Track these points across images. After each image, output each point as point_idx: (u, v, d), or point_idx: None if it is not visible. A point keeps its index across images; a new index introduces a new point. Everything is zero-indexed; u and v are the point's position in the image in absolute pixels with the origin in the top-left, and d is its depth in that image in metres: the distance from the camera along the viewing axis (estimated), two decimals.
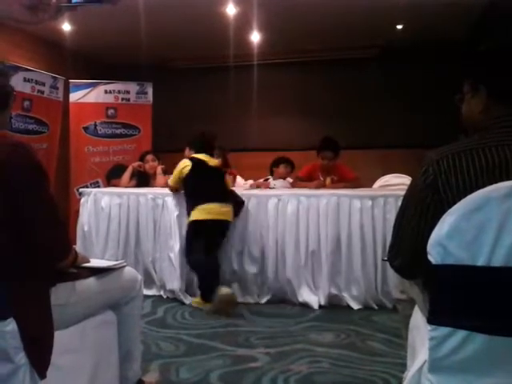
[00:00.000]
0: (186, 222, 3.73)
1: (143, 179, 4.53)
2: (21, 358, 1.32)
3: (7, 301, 1.32)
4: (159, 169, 4.57)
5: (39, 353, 1.38)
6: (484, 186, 1.04)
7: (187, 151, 4.07)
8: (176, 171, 3.76)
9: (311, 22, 5.64)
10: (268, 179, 4.82)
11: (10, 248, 1.34)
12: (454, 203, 1.05)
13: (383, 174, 4.73)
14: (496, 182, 1.03)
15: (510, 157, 1.11)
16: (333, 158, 4.31)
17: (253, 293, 3.74)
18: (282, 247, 3.67)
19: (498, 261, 0.98)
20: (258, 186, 4.30)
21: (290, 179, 4.84)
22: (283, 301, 3.68)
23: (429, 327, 1.07)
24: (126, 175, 4.54)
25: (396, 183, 4.40)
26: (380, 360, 2.54)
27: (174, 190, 3.81)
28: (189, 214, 3.66)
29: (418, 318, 1.42)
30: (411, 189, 1.28)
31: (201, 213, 3.60)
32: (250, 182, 4.85)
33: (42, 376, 1.38)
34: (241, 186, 4.76)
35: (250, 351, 2.70)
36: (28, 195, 1.39)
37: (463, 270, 1.01)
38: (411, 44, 6.22)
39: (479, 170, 1.12)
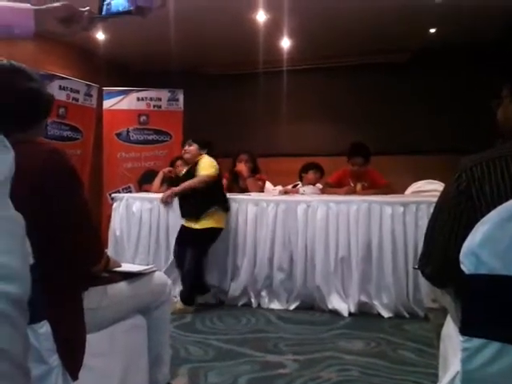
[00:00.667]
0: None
1: (174, 185, 4.57)
2: (54, 359, 1.35)
3: (41, 303, 1.35)
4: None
5: (72, 355, 1.41)
6: None
7: (196, 149, 3.87)
8: (213, 163, 3.75)
9: (341, 27, 5.63)
10: (297, 185, 4.80)
11: (45, 252, 1.37)
12: (488, 211, 1.02)
13: (412, 180, 4.66)
14: None
15: None
16: (363, 164, 4.26)
17: (281, 299, 3.72)
18: (311, 253, 3.65)
19: None
20: (286, 193, 4.29)
21: (319, 185, 4.81)
22: (312, 307, 3.66)
23: (461, 338, 1.05)
24: (157, 181, 4.59)
25: (429, 189, 4.33)
26: (411, 370, 2.49)
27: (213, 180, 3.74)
28: (204, 217, 3.65)
29: (450, 328, 1.39)
30: (444, 195, 1.26)
31: (222, 220, 3.70)
32: (279, 187, 4.85)
33: (75, 377, 1.41)
34: (270, 191, 4.76)
35: (278, 357, 2.69)
36: (62, 201, 1.42)
37: (497, 279, 0.98)
38: (443, 48, 6.12)
39: None
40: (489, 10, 4.96)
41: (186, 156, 3.87)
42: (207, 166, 3.72)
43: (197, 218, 3.64)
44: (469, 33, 5.72)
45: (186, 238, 3.69)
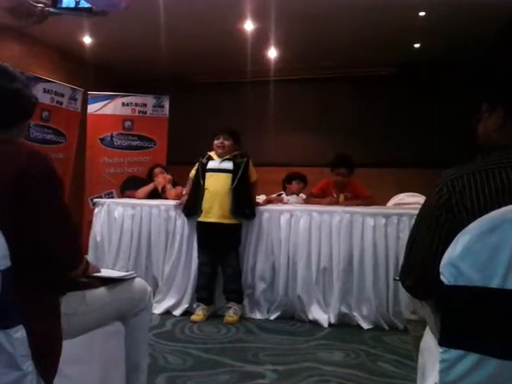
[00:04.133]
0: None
1: (154, 197, 4.48)
2: (28, 365, 1.32)
3: (17, 308, 1.32)
4: (168, 183, 4.56)
5: (47, 361, 1.38)
6: (499, 206, 1.03)
7: (232, 144, 3.74)
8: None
9: (328, 39, 5.69)
10: (281, 194, 4.81)
11: (22, 255, 1.35)
12: (469, 223, 1.04)
13: (397, 193, 4.70)
14: None
15: None
16: (347, 175, 4.30)
17: (262, 309, 3.71)
18: (293, 263, 3.65)
19: None
20: (269, 201, 4.29)
21: (303, 195, 4.82)
22: (293, 318, 3.65)
23: (440, 349, 1.05)
24: (146, 190, 4.47)
25: (410, 202, 4.37)
26: (389, 381, 2.49)
27: None
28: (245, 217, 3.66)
29: (429, 340, 1.40)
30: (425, 208, 1.27)
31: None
32: (263, 196, 4.85)
33: None
34: None
35: (258, 368, 2.67)
36: (42, 203, 1.40)
37: (476, 291, 1.00)
38: (428, 62, 6.22)
39: (494, 191, 1.11)
40: (469, 26, 5.06)
41: (220, 151, 3.70)
42: (254, 174, 3.77)
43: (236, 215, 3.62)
44: (452, 50, 5.84)
45: (220, 234, 3.62)
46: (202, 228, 3.69)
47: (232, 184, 3.60)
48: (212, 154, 3.77)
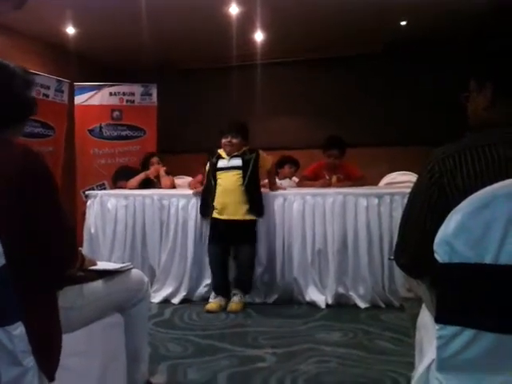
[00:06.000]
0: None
1: (148, 186, 4.49)
2: (29, 361, 1.33)
3: (15, 304, 1.32)
4: (162, 171, 4.57)
5: (47, 356, 1.38)
6: (491, 183, 1.03)
7: (240, 141, 3.72)
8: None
9: (313, 20, 5.64)
10: None
11: (18, 252, 1.34)
12: (460, 201, 1.04)
13: (390, 172, 4.72)
14: (503, 180, 1.02)
15: None
16: (339, 156, 4.31)
17: (260, 293, 3.74)
18: (288, 246, 3.67)
19: (505, 259, 0.97)
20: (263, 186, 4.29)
21: (295, 179, 4.83)
22: (290, 300, 3.68)
23: (436, 326, 1.07)
24: (137, 179, 4.48)
25: (402, 180, 4.40)
26: (388, 359, 2.53)
27: None
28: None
29: (425, 317, 1.41)
30: (417, 187, 1.28)
31: None
32: None
33: (51, 378, 1.38)
34: None
35: (257, 351, 2.70)
36: (42, 205, 1.39)
37: (470, 268, 1.00)
38: (416, 40, 6.18)
39: (485, 168, 1.11)
40: (455, 4, 5.03)
41: (229, 149, 3.70)
42: (269, 162, 3.81)
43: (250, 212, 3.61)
44: (439, 27, 5.80)
45: (235, 230, 3.61)
46: (216, 224, 3.67)
47: (243, 182, 3.60)
48: (221, 151, 3.76)
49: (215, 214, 3.64)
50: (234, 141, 3.68)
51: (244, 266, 3.65)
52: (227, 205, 3.60)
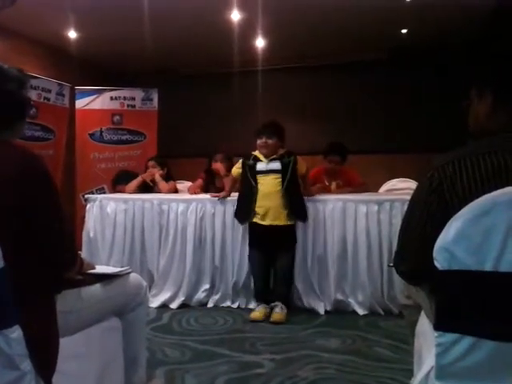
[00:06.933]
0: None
1: (147, 190, 4.49)
2: (26, 365, 1.32)
3: (13, 308, 1.31)
4: (157, 175, 4.56)
5: (45, 360, 1.38)
6: (490, 190, 1.04)
7: (276, 142, 3.59)
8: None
9: (315, 26, 5.66)
10: None
11: (17, 255, 1.34)
12: (460, 208, 1.04)
13: (390, 179, 4.72)
14: (503, 187, 1.03)
15: None
16: (339, 162, 4.31)
17: None
18: None
19: (505, 266, 0.97)
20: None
21: None
22: (289, 306, 3.66)
23: (435, 333, 1.06)
24: (134, 183, 4.51)
25: (402, 187, 4.40)
26: (386, 366, 2.52)
27: None
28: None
29: (424, 324, 1.41)
30: (417, 194, 1.28)
31: None
32: None
33: (48, 383, 1.38)
34: None
35: (255, 357, 2.69)
36: (41, 207, 1.39)
37: (470, 275, 1.00)
38: (418, 47, 6.21)
39: (485, 175, 1.11)
40: (456, 12, 5.05)
41: (265, 151, 3.56)
42: (304, 166, 3.65)
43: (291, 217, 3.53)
44: (441, 35, 5.83)
45: (275, 236, 3.51)
46: (256, 230, 3.56)
47: (282, 186, 3.49)
48: (257, 153, 3.63)
49: (256, 219, 3.52)
50: (270, 141, 3.54)
51: (283, 277, 3.55)
52: (269, 209, 3.48)
